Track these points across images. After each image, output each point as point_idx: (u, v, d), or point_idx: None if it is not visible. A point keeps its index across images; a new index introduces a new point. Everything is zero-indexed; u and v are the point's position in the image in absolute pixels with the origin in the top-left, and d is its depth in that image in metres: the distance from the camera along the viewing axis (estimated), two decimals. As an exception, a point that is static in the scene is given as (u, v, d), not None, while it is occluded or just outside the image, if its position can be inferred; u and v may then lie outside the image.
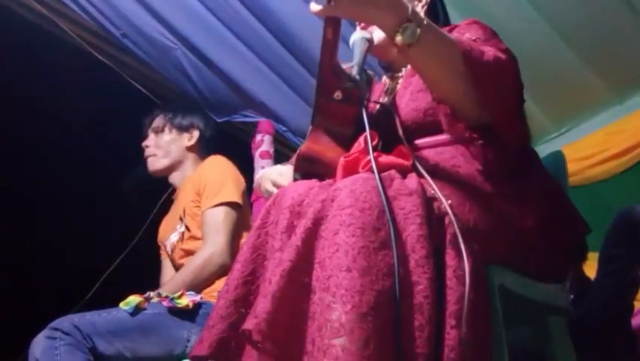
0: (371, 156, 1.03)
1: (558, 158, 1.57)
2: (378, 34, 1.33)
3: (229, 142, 2.97)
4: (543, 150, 3.25)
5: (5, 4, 2.32)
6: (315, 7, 1.04)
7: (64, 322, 1.61)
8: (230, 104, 2.86)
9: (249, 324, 0.91)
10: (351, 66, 1.19)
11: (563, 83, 3.17)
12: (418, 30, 1.03)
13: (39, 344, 1.58)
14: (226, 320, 1.01)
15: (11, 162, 3.03)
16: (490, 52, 1.14)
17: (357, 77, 1.15)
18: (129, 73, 2.64)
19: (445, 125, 1.16)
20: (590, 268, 1.85)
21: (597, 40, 2.90)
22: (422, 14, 1.35)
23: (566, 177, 1.52)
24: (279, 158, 2.89)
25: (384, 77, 1.49)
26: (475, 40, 1.20)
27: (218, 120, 2.86)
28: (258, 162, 2.90)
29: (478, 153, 1.15)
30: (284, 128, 3.03)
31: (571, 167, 1.76)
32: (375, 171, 0.98)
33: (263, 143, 2.93)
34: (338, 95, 1.17)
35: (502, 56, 1.15)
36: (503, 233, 1.11)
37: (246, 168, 2.66)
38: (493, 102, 1.14)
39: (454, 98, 1.15)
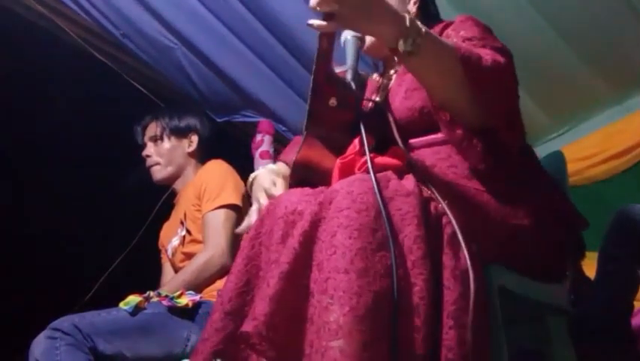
0: (367, 157, 1.03)
1: (558, 158, 1.57)
2: None
3: (229, 142, 2.98)
4: (543, 150, 3.26)
5: (5, 4, 2.31)
6: (316, 23, 1.03)
7: (65, 322, 1.61)
8: (230, 104, 2.86)
9: (248, 326, 0.90)
10: (344, 70, 1.20)
11: (563, 83, 3.16)
12: (418, 39, 1.03)
13: (39, 344, 1.58)
14: (221, 332, 1.01)
15: (11, 162, 3.03)
16: (488, 56, 1.13)
17: (352, 83, 1.16)
18: (129, 73, 2.64)
19: (445, 132, 1.16)
20: (590, 268, 1.85)
21: (597, 40, 2.89)
22: (414, 10, 1.37)
23: (566, 177, 1.52)
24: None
25: (376, 75, 1.49)
26: (470, 39, 1.20)
27: (218, 120, 2.86)
28: (258, 162, 2.90)
29: (477, 156, 1.15)
30: (284, 128, 3.03)
31: (571, 167, 1.75)
32: (372, 172, 0.98)
33: (263, 143, 2.94)
34: (333, 102, 1.17)
35: (500, 58, 1.15)
36: (499, 232, 1.11)
37: (247, 168, 2.66)
38: (494, 107, 1.14)
39: (455, 105, 1.14)
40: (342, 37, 1.25)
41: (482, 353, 0.94)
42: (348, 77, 1.17)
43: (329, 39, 1.14)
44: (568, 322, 1.29)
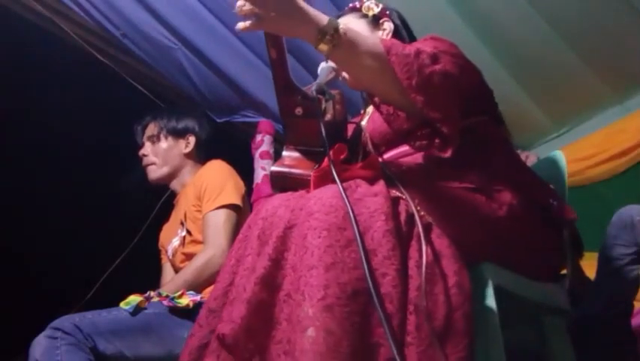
0: (330, 165, 1.07)
1: (558, 158, 1.57)
2: None
3: (229, 142, 2.98)
4: (543, 150, 3.27)
5: (5, 4, 2.32)
6: (241, 25, 1.10)
7: (65, 321, 1.60)
8: (230, 104, 2.86)
9: (225, 328, 0.94)
10: (311, 85, 1.25)
11: (563, 83, 3.17)
12: (337, 36, 1.08)
13: (40, 344, 1.57)
14: (205, 328, 1.06)
15: (11, 162, 3.04)
16: (412, 46, 1.16)
17: (314, 92, 1.21)
18: (129, 73, 2.64)
19: (389, 123, 1.20)
20: (590, 268, 1.85)
21: (597, 40, 2.90)
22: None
23: (565, 177, 1.52)
24: (278, 158, 2.88)
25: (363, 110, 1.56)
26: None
27: (219, 121, 2.86)
28: (258, 162, 2.90)
29: (431, 150, 1.18)
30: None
31: (571, 167, 1.76)
32: (336, 176, 1.03)
33: (263, 143, 2.94)
34: (299, 110, 1.24)
35: (427, 49, 1.17)
36: (482, 229, 1.14)
37: (246, 168, 2.66)
38: (419, 92, 1.12)
39: (391, 96, 1.18)
40: (320, 67, 1.34)
41: (455, 338, 0.95)
42: (312, 88, 1.23)
43: (277, 49, 1.21)
44: (568, 322, 1.29)
